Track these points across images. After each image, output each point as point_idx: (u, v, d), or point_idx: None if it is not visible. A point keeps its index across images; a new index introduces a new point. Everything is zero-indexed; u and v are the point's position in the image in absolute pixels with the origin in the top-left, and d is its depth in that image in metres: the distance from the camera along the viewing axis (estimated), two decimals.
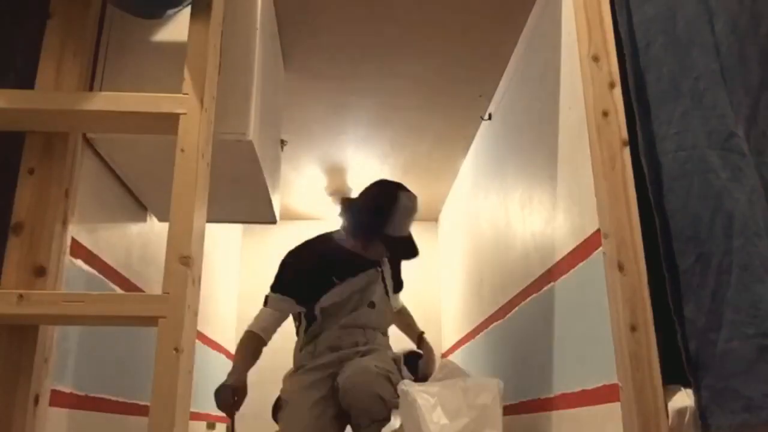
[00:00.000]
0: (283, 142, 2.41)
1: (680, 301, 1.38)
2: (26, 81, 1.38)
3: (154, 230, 2.08)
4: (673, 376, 1.37)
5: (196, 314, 1.23)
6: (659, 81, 1.52)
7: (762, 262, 1.35)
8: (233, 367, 2.13)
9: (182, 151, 1.27)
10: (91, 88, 1.47)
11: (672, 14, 1.57)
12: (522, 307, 2.22)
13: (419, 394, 1.73)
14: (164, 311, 1.16)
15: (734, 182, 1.41)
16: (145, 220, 2.03)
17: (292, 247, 2.25)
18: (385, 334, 2.28)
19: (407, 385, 1.78)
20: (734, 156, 1.43)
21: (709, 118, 1.46)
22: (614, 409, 1.41)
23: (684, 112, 1.48)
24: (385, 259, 2.27)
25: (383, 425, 1.94)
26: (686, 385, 1.37)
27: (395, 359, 2.12)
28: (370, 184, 2.25)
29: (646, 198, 1.47)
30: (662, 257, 1.41)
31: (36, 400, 1.25)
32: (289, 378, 2.21)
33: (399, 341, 2.40)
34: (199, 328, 1.32)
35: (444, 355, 3.95)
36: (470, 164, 3.29)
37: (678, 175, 1.44)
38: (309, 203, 4.04)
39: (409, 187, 2.19)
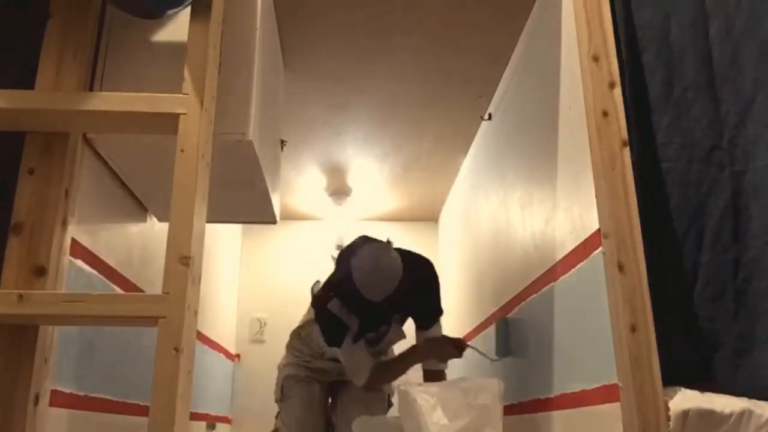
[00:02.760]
0: (283, 142, 2.41)
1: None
2: (26, 81, 1.37)
3: (154, 230, 2.08)
4: (673, 376, 1.37)
5: (196, 314, 1.23)
6: (651, 89, 1.53)
7: (724, 277, 1.42)
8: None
9: (182, 151, 1.27)
10: (91, 88, 1.47)
11: (667, 19, 1.58)
12: (522, 307, 2.22)
13: (419, 394, 1.72)
14: (164, 311, 1.16)
15: (710, 197, 1.47)
16: (145, 220, 2.03)
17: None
18: None
19: (407, 386, 1.77)
20: (713, 170, 1.48)
21: (694, 130, 1.51)
22: (614, 409, 1.41)
23: (670, 124, 1.51)
24: None
25: None
26: (686, 385, 1.37)
27: None
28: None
29: (647, 198, 1.47)
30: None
31: (36, 400, 1.25)
32: None
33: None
34: (199, 328, 1.32)
35: None
36: (470, 164, 3.29)
37: (662, 185, 1.47)
38: (309, 203, 4.04)
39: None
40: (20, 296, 1.17)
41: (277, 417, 2.36)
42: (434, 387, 1.77)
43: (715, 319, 1.40)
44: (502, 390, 1.77)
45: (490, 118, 2.78)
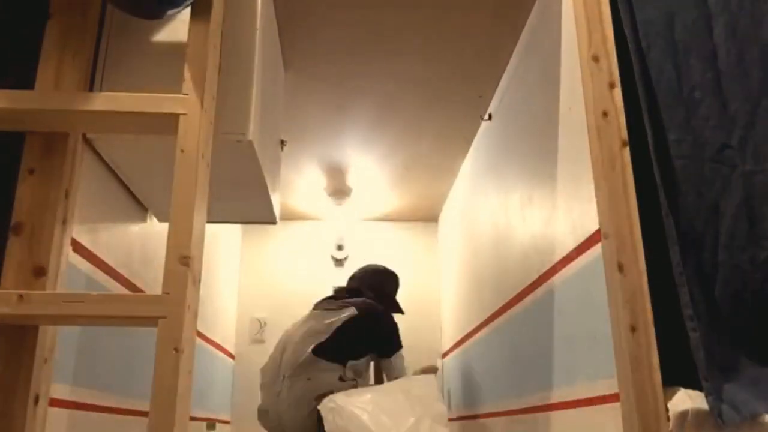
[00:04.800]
0: (283, 142, 2.41)
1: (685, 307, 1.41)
2: (26, 81, 1.37)
3: (154, 230, 2.08)
4: (673, 376, 1.37)
5: (196, 314, 1.23)
6: (660, 85, 1.53)
7: (742, 277, 1.42)
8: None
9: (182, 151, 1.26)
10: (91, 88, 1.47)
11: (670, 17, 1.58)
12: (522, 307, 2.22)
13: (355, 406, 1.63)
14: (164, 311, 1.16)
15: (723, 196, 1.47)
16: (145, 220, 2.03)
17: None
18: None
19: (336, 400, 1.66)
20: (725, 169, 1.48)
21: (704, 128, 1.51)
22: (614, 409, 1.41)
23: (682, 121, 1.51)
24: None
25: None
26: (686, 386, 1.37)
27: None
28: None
29: (646, 198, 1.47)
30: (672, 259, 1.42)
31: (36, 400, 1.25)
32: None
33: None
34: (199, 328, 1.32)
35: (444, 356, 3.95)
36: (470, 164, 3.29)
37: (678, 182, 1.47)
38: (309, 203, 4.04)
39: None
40: (20, 296, 1.17)
41: None
42: (366, 394, 1.67)
43: (737, 320, 1.40)
44: (438, 384, 1.74)
45: (490, 118, 2.78)
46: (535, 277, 2.05)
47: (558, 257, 1.82)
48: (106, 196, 1.72)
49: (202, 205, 1.28)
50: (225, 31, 1.51)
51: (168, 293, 1.17)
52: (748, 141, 1.50)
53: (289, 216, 4.17)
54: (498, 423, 2.50)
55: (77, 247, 1.49)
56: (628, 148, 1.50)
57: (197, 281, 1.25)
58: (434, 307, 4.13)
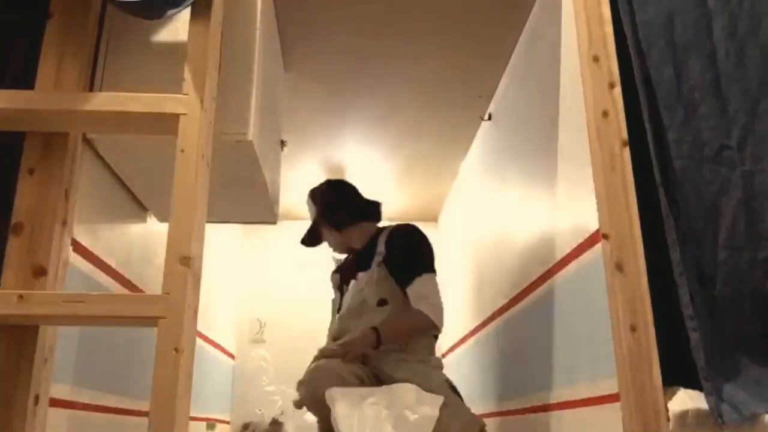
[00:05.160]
0: (283, 143, 2.41)
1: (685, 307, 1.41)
2: (26, 81, 1.37)
3: (154, 230, 2.08)
4: (673, 376, 1.37)
5: (196, 314, 1.23)
6: (660, 85, 1.53)
7: (741, 275, 1.42)
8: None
9: (182, 151, 1.27)
10: (91, 88, 1.47)
11: (670, 18, 1.58)
12: (522, 306, 2.22)
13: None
14: (164, 311, 1.16)
15: (723, 196, 1.47)
16: (145, 220, 2.03)
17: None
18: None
19: (334, 394, 1.75)
20: (724, 169, 1.49)
21: (702, 129, 1.52)
22: (614, 409, 1.41)
23: (681, 122, 1.51)
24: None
25: None
26: (686, 386, 1.37)
27: None
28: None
29: (646, 198, 1.48)
30: (672, 259, 1.42)
31: (36, 400, 1.25)
32: None
33: None
34: (199, 328, 1.32)
35: (444, 355, 3.95)
36: (470, 164, 3.29)
37: (678, 182, 1.47)
38: None
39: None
40: (20, 296, 1.17)
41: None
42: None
43: (738, 319, 1.40)
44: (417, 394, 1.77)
45: (490, 118, 2.78)
46: (535, 277, 2.05)
47: (558, 257, 1.82)
48: (106, 196, 1.72)
49: (202, 205, 1.28)
50: (225, 31, 1.51)
51: (168, 293, 1.17)
52: (747, 141, 1.50)
53: (289, 216, 4.16)
54: (498, 423, 2.50)
55: (77, 247, 1.49)
56: (628, 148, 1.50)
57: (197, 281, 1.25)
58: None
